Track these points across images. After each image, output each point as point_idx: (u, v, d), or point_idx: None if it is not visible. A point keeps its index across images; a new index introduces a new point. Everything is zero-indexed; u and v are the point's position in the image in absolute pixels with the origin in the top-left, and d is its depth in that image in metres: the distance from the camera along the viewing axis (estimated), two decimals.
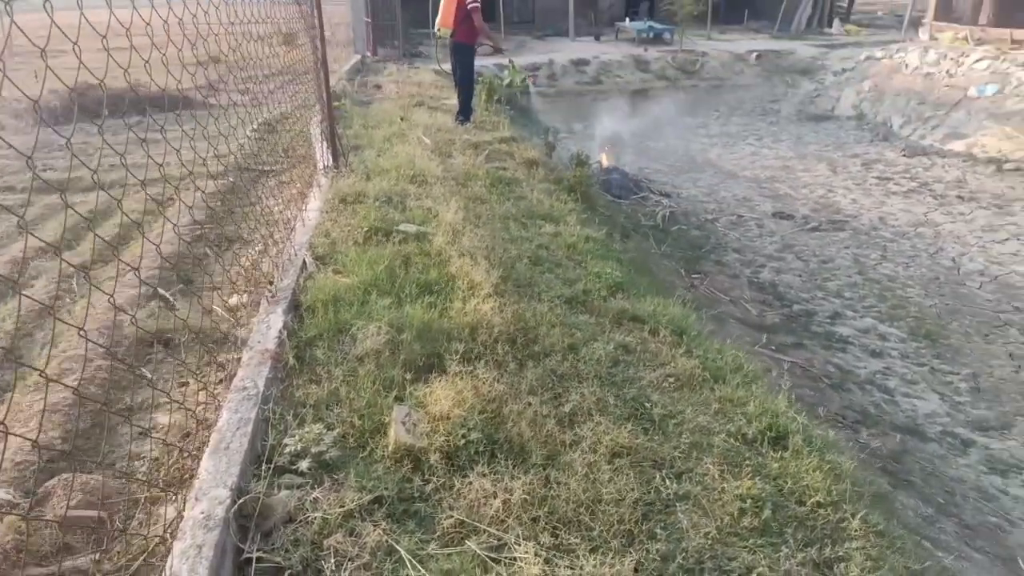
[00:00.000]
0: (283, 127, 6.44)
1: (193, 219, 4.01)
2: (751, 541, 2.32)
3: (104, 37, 1.90)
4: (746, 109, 17.39)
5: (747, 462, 2.72)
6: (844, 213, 10.07)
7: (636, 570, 2.12)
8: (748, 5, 24.79)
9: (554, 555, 2.15)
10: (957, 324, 6.75)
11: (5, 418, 1.43)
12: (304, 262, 4.15)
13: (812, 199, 10.77)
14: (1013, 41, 14.58)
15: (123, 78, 2.15)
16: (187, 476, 2.50)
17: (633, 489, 2.47)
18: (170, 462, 2.63)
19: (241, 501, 2.23)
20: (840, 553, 2.33)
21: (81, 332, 1.77)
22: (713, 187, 11.53)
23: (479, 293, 3.78)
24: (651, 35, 20.84)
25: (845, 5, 26.18)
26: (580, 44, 20.93)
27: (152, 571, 2.13)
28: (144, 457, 2.71)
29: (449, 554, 2.13)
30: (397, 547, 2.13)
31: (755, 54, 19.27)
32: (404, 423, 2.64)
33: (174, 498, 2.35)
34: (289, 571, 2.07)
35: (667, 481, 2.56)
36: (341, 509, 2.25)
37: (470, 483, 2.42)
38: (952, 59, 14.77)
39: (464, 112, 9.23)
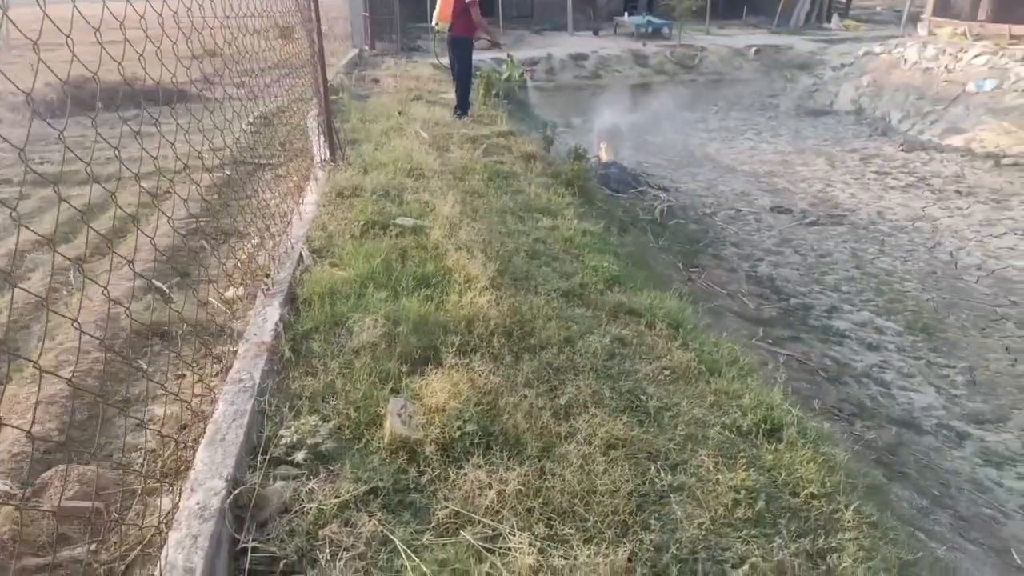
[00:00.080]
0: (280, 121, 6.44)
1: (188, 212, 4.01)
2: (745, 532, 2.33)
3: (97, 30, 1.90)
4: (745, 104, 17.38)
5: (742, 454, 2.73)
6: (842, 207, 10.07)
7: (630, 560, 2.13)
8: (747, 0, 24.76)
9: (548, 545, 2.16)
10: (954, 318, 6.77)
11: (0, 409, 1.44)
12: (301, 255, 4.15)
13: (810, 193, 10.78)
14: (1012, 36, 14.58)
15: (118, 72, 2.15)
16: (183, 467, 2.50)
17: (628, 480, 2.48)
18: (167, 454, 2.63)
19: (237, 492, 2.23)
20: (833, 544, 2.34)
21: (75, 324, 1.77)
22: (711, 181, 11.53)
23: (476, 286, 3.79)
24: (650, 30, 20.81)
25: (844, 0, 26.15)
26: (579, 39, 20.90)
27: (149, 561, 2.14)
28: (141, 449, 2.72)
29: (444, 544, 2.14)
30: (392, 537, 2.14)
31: (754, 49, 19.24)
32: (400, 415, 2.65)
33: (170, 489, 2.36)
34: (284, 561, 2.08)
35: (662, 473, 2.57)
36: (336, 500, 2.26)
37: (465, 474, 2.43)
38: (951, 54, 14.76)
39: (462, 106, 9.22)
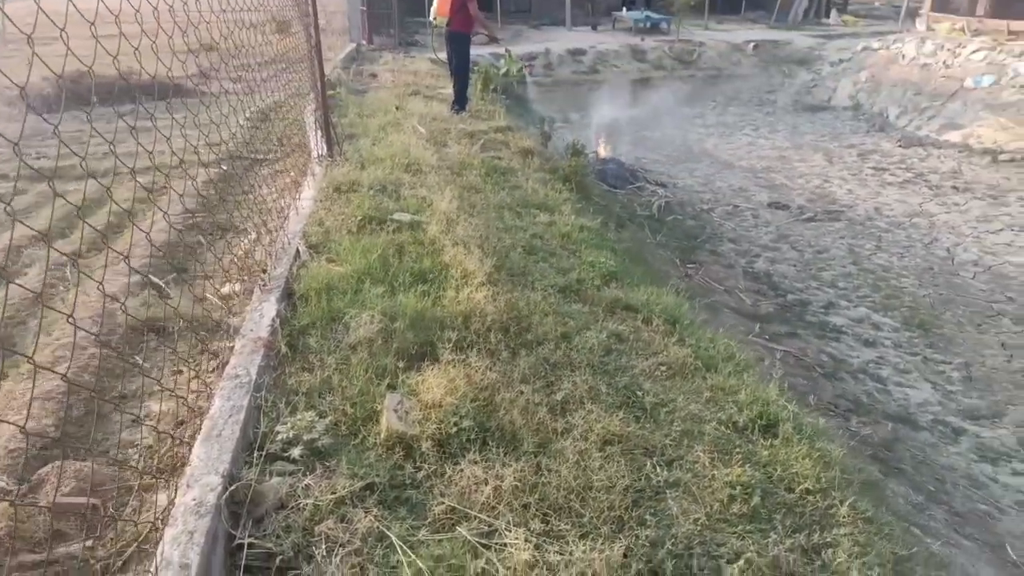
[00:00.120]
0: (277, 115, 6.42)
1: (184, 208, 4.01)
2: (740, 527, 2.33)
3: (92, 24, 1.90)
4: (743, 99, 17.37)
5: (737, 450, 2.74)
6: (840, 203, 10.08)
7: (626, 556, 2.13)
8: None
9: (544, 541, 2.17)
10: (950, 314, 6.79)
11: None
12: (298, 251, 4.15)
13: (808, 189, 10.79)
14: (1010, 32, 14.58)
15: (114, 66, 2.14)
16: (180, 464, 2.50)
17: (624, 476, 2.48)
18: (163, 450, 2.63)
19: (233, 488, 2.23)
20: (828, 539, 2.35)
21: (69, 319, 1.77)
22: (709, 177, 11.54)
23: (472, 282, 3.78)
24: (648, 25, 20.76)
25: None
26: (577, 34, 20.85)
27: (146, 557, 2.14)
28: (137, 445, 2.72)
29: (440, 540, 2.14)
30: (388, 533, 2.14)
31: (752, 44, 19.22)
32: (396, 411, 2.65)
33: (167, 485, 2.36)
34: (280, 557, 2.08)
35: (658, 468, 2.58)
36: (333, 496, 2.26)
37: (461, 470, 2.43)
38: (949, 50, 14.76)
39: (460, 101, 9.20)
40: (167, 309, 3.44)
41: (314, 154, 6.31)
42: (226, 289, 3.86)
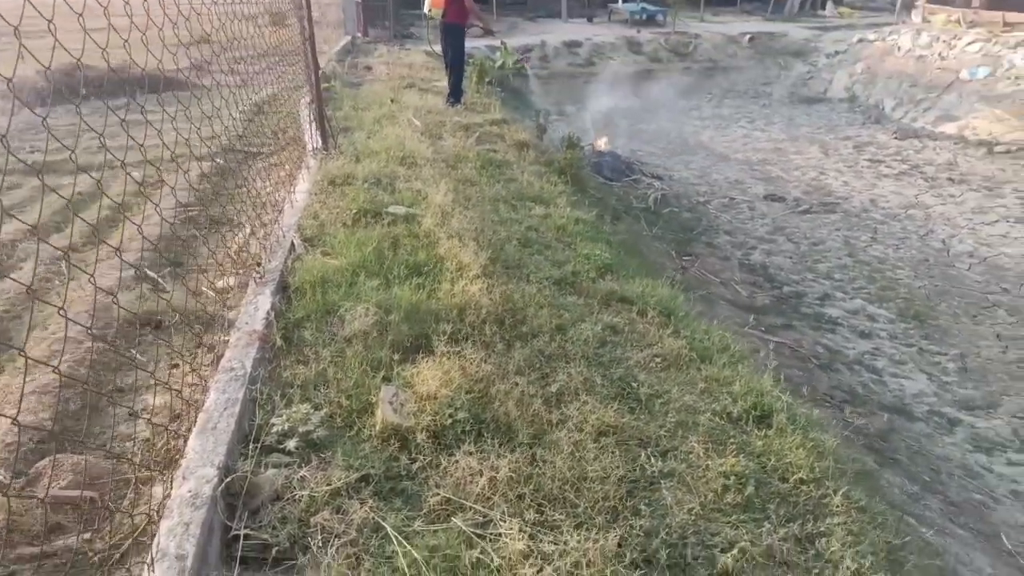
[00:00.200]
0: (272, 108, 6.40)
1: (177, 201, 3.99)
2: (734, 517, 2.35)
3: (80, 15, 1.89)
4: (739, 91, 17.36)
5: (731, 440, 2.75)
6: (835, 195, 10.09)
7: (620, 545, 2.14)
8: None
9: (539, 531, 2.18)
10: (946, 305, 6.80)
11: None
12: (292, 244, 4.14)
13: (804, 181, 10.79)
14: (1005, 24, 14.57)
15: (105, 59, 2.13)
16: (176, 456, 2.51)
17: (618, 467, 2.49)
18: (160, 443, 2.64)
19: (228, 480, 2.24)
20: (822, 528, 2.37)
21: (60, 311, 1.77)
22: (705, 169, 11.53)
23: (467, 274, 3.78)
24: (644, 17, 20.73)
25: None
26: (573, 26, 20.81)
27: (143, 550, 2.14)
28: (134, 438, 2.72)
29: (435, 531, 2.15)
30: (383, 524, 2.15)
31: (748, 36, 19.20)
32: (391, 403, 2.66)
33: (163, 478, 2.36)
34: (276, 548, 2.09)
35: (652, 459, 2.59)
36: (328, 487, 2.27)
37: (456, 461, 2.44)
38: (944, 42, 14.76)
39: (455, 94, 9.18)
40: (163, 303, 3.44)
41: (309, 147, 6.29)
42: (221, 283, 3.86)
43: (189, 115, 2.97)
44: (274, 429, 2.53)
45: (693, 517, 2.32)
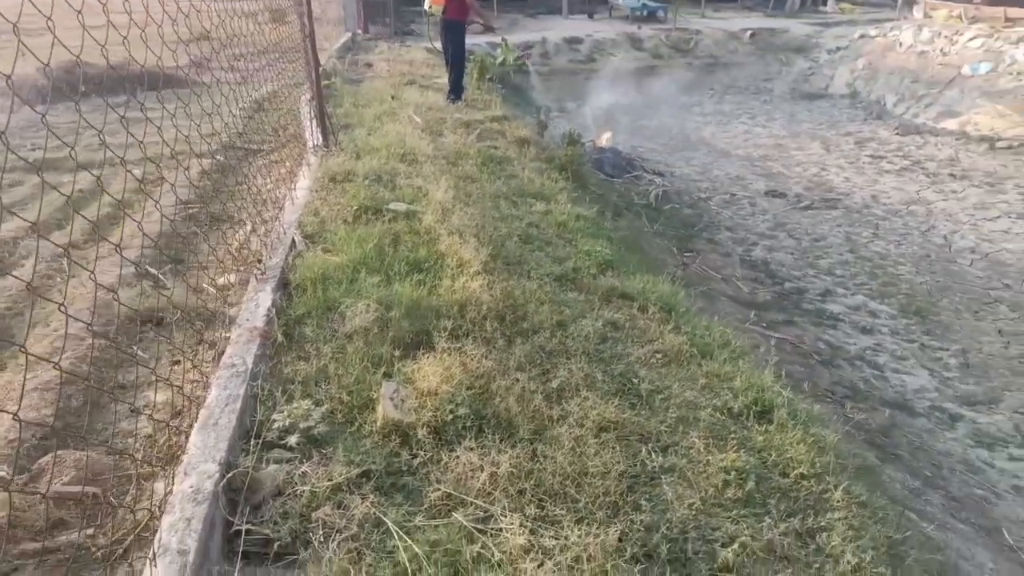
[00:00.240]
0: (272, 105, 6.40)
1: (178, 199, 4.00)
2: (735, 512, 2.35)
3: (79, 13, 1.89)
4: (740, 87, 17.33)
5: (732, 435, 2.75)
6: (837, 191, 10.08)
7: (620, 540, 2.15)
8: None
9: (539, 526, 2.18)
10: (947, 301, 6.80)
11: None
12: (293, 241, 4.15)
13: (805, 177, 10.78)
14: (1007, 19, 14.53)
15: (105, 57, 2.13)
16: (178, 453, 2.51)
17: (619, 462, 2.50)
18: (162, 439, 2.64)
19: (230, 475, 2.25)
20: (822, 523, 2.37)
21: (61, 307, 1.77)
22: (706, 166, 11.52)
23: (468, 271, 3.79)
24: (645, 13, 20.68)
25: None
26: (573, 22, 20.77)
27: (146, 545, 2.15)
28: (136, 434, 2.73)
29: (436, 526, 2.16)
30: (385, 519, 2.15)
31: (749, 32, 19.16)
32: (392, 399, 2.66)
33: (165, 474, 2.36)
34: (278, 543, 2.09)
35: (653, 454, 2.59)
36: (329, 483, 2.28)
37: (457, 457, 2.45)
38: (946, 37, 14.72)
39: (455, 91, 9.17)
40: (164, 300, 3.45)
41: (309, 144, 6.29)
42: (222, 279, 3.86)
43: (189, 112, 2.97)
44: (275, 425, 2.54)
45: (694, 512, 2.33)
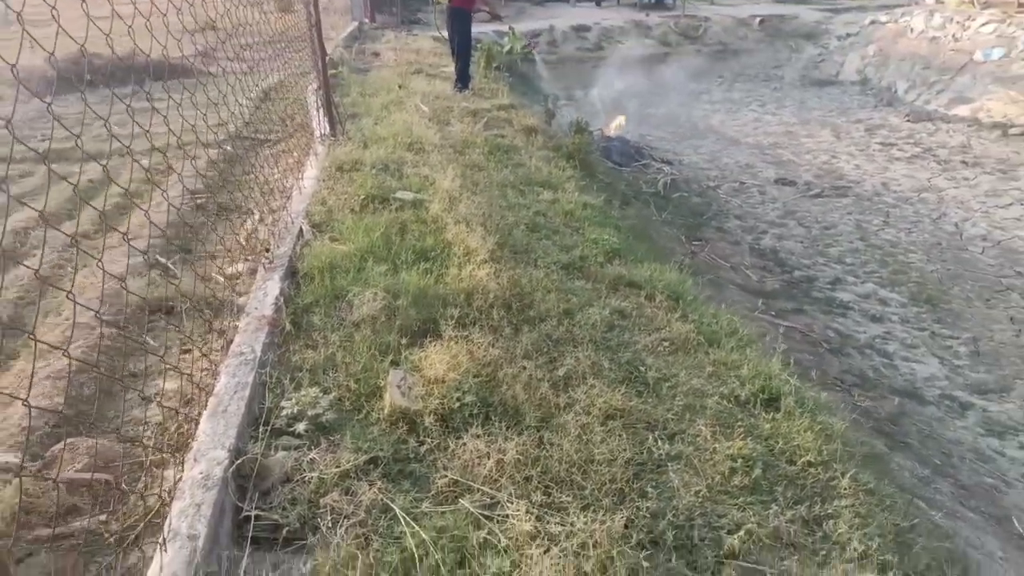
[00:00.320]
0: (279, 95, 6.40)
1: (186, 188, 4.02)
2: (741, 499, 2.35)
3: (84, 2, 1.89)
4: (749, 75, 17.20)
5: (739, 423, 2.75)
6: (847, 179, 10.00)
7: (627, 527, 2.16)
8: None
9: (546, 513, 2.19)
10: (958, 289, 6.75)
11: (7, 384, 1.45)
12: (301, 230, 4.16)
13: (815, 165, 10.70)
14: (1020, 4, 14.33)
15: (110, 46, 2.14)
16: (188, 439, 2.54)
17: (625, 450, 2.50)
18: (172, 427, 2.67)
19: (239, 462, 2.27)
20: (829, 511, 2.37)
21: (69, 295, 1.79)
22: (715, 154, 11.45)
23: (475, 259, 3.79)
24: (653, 0, 20.53)
25: None
26: (581, 10, 20.65)
27: (157, 530, 2.17)
28: (146, 422, 2.76)
29: (443, 512, 2.17)
30: (392, 505, 2.17)
31: (758, 19, 19.00)
32: (400, 387, 2.67)
33: (175, 461, 2.39)
34: (287, 528, 2.12)
35: (659, 442, 2.59)
36: (337, 469, 2.29)
37: (464, 444, 2.46)
38: (958, 23, 14.54)
39: (462, 79, 9.15)
40: (173, 289, 3.47)
41: (316, 134, 6.30)
42: (231, 269, 3.88)
43: (195, 102, 2.98)
44: (284, 412, 2.56)
45: (700, 499, 2.33)
